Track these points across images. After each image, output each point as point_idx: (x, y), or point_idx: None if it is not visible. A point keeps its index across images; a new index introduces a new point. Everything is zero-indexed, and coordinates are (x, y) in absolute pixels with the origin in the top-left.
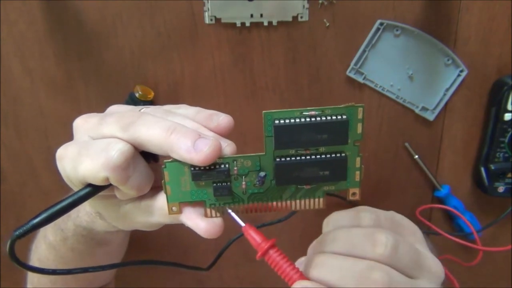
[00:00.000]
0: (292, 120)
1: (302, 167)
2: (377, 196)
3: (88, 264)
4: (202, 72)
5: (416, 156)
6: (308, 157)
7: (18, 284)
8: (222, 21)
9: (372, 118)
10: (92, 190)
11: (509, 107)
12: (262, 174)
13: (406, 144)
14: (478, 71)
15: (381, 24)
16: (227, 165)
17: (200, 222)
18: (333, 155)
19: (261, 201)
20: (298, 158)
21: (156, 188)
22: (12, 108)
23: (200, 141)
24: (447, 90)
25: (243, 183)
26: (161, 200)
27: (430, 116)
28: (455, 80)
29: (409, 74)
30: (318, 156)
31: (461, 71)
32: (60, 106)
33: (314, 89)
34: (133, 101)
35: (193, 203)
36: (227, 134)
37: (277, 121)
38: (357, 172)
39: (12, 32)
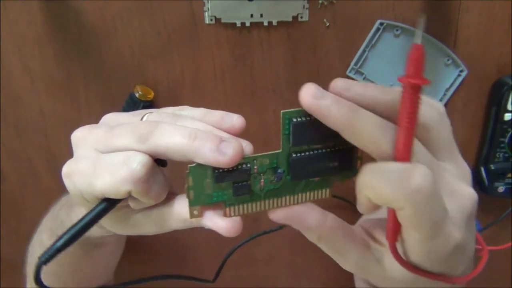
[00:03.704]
0: (308, 118)
1: (314, 161)
2: None
3: (85, 265)
4: (202, 72)
5: None
6: (319, 151)
7: (18, 284)
8: (222, 21)
9: None
10: (109, 204)
11: (509, 107)
12: (280, 170)
13: None
14: (478, 71)
15: (381, 24)
16: (248, 165)
17: (220, 222)
18: (342, 147)
19: (276, 196)
20: (312, 152)
21: (167, 194)
22: (12, 108)
23: (223, 144)
24: (447, 90)
25: (262, 180)
26: (177, 206)
27: None
28: (455, 80)
29: None
30: (329, 150)
31: (461, 71)
32: (60, 106)
33: None
34: (133, 101)
35: (212, 205)
36: (240, 134)
37: (294, 119)
38: (359, 161)
39: (12, 32)
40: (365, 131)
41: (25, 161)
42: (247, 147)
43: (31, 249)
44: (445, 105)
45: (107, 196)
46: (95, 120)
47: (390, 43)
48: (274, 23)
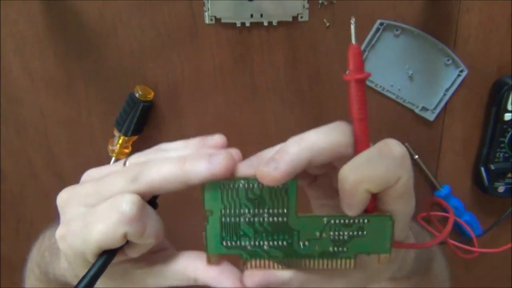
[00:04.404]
0: None
1: None
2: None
3: None
4: (202, 72)
5: (416, 156)
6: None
7: (18, 284)
8: (222, 21)
9: (372, 119)
10: (109, 256)
11: (509, 107)
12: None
13: (406, 144)
14: (478, 71)
15: (381, 24)
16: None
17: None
18: None
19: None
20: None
21: (163, 250)
22: (12, 108)
23: (213, 157)
24: (447, 90)
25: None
26: (180, 263)
27: (430, 116)
28: (455, 80)
29: (409, 74)
30: None
31: (461, 71)
32: (60, 106)
33: (314, 89)
34: (133, 101)
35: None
36: (238, 136)
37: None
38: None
39: (12, 32)
40: (318, 142)
41: (25, 161)
42: (236, 155)
43: (28, 273)
44: (445, 105)
45: (104, 247)
46: (95, 120)
47: (390, 43)
48: (274, 23)
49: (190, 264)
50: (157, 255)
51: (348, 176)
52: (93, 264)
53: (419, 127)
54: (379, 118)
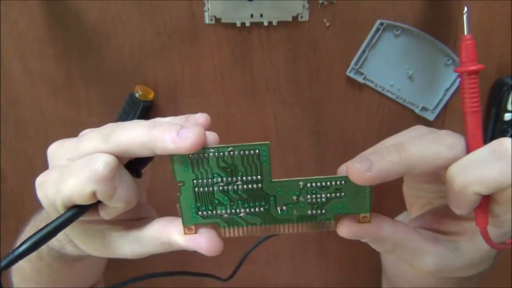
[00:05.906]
0: None
1: None
2: (377, 196)
3: (66, 277)
4: (202, 72)
5: None
6: None
7: None
8: (222, 21)
9: (372, 119)
10: (78, 211)
11: (509, 107)
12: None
13: None
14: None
15: (381, 24)
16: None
17: (202, 241)
18: None
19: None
20: None
21: (144, 218)
22: (12, 108)
23: (183, 130)
24: (447, 90)
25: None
26: (155, 228)
27: (430, 116)
28: (455, 80)
29: (409, 74)
30: None
31: None
32: (60, 106)
33: (314, 89)
34: (133, 101)
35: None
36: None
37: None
38: None
39: (12, 32)
40: (418, 155)
41: (25, 161)
42: (210, 135)
43: None
44: (445, 105)
45: (74, 201)
46: (95, 120)
47: (390, 43)
48: (274, 23)
49: (164, 228)
50: (137, 222)
51: (456, 177)
52: (60, 215)
53: None
54: (379, 118)
